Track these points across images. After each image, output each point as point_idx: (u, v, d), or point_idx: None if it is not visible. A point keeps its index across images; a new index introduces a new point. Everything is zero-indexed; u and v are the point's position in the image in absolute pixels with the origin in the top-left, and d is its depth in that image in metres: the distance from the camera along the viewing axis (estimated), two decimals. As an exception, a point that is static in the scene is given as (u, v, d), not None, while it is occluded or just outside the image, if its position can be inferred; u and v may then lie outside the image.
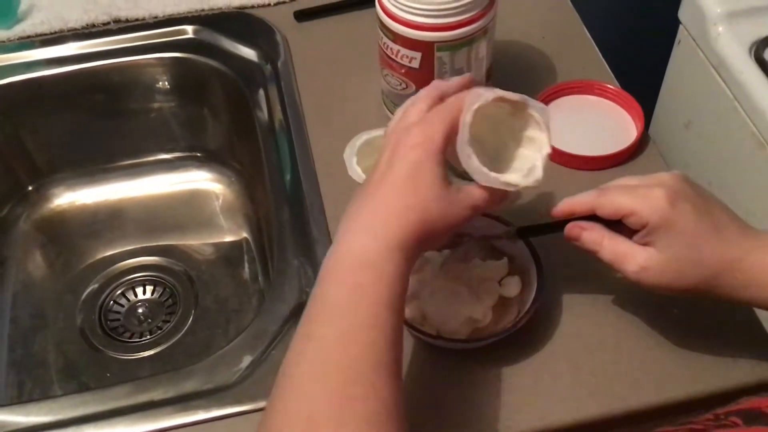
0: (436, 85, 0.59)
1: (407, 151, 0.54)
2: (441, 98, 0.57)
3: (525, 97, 0.57)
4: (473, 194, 0.56)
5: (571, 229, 0.60)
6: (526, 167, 0.57)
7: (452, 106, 0.56)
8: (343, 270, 0.52)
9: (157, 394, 0.65)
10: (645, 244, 0.56)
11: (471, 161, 0.55)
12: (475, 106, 0.54)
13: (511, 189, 0.56)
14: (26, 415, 0.65)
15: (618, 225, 0.58)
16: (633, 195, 0.56)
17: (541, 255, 0.66)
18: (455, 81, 0.59)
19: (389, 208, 0.53)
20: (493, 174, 0.55)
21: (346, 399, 0.47)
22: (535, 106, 0.57)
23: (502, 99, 0.55)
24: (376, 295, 0.51)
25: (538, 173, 0.56)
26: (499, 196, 0.57)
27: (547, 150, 0.56)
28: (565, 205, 0.60)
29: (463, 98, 0.56)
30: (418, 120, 0.56)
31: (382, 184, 0.54)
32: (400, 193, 0.54)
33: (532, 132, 0.58)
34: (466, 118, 0.54)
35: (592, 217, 0.59)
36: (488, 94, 0.55)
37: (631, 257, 0.57)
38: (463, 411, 0.62)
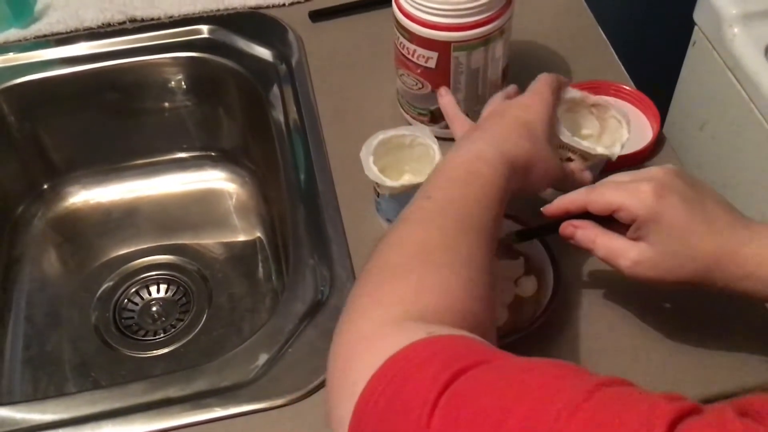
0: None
1: (520, 108, 0.63)
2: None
3: (606, 98, 0.72)
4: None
5: (565, 228, 0.61)
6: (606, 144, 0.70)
7: (544, 85, 0.66)
8: (463, 160, 0.58)
9: (173, 392, 0.65)
10: (637, 239, 0.57)
11: (564, 132, 0.67)
12: (568, 96, 0.70)
13: (599, 156, 0.67)
14: (43, 412, 0.65)
15: (611, 222, 0.58)
16: (622, 190, 0.57)
17: (557, 255, 0.66)
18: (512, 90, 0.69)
19: (507, 133, 0.60)
20: (585, 142, 0.67)
21: (459, 234, 0.52)
22: (615, 106, 0.71)
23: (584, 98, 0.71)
24: (489, 178, 0.56)
25: (617, 150, 0.68)
26: (578, 177, 0.65)
27: (626, 136, 0.69)
28: (558, 204, 0.61)
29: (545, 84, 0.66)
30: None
31: (502, 119, 0.62)
32: (517, 129, 0.61)
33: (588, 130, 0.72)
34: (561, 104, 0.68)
35: (587, 215, 0.60)
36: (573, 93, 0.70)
37: (623, 253, 0.57)
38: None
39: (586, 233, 0.59)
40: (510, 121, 0.61)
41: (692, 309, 0.68)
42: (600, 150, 0.67)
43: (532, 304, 0.66)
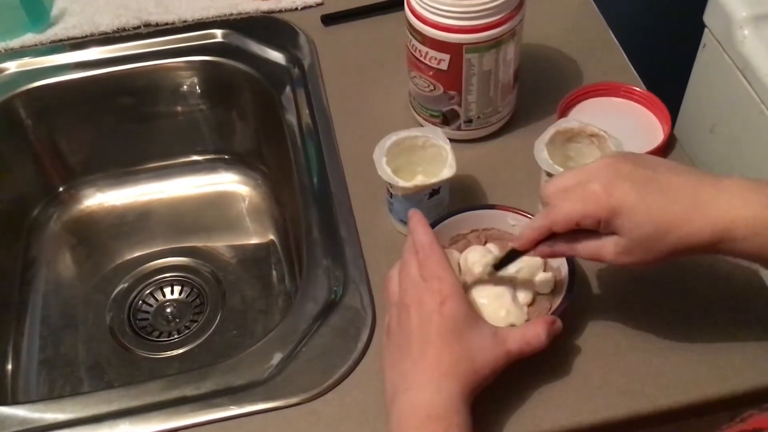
0: (410, 245, 0.63)
1: (438, 307, 0.59)
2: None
3: (602, 129, 0.71)
4: (509, 337, 0.60)
5: (542, 252, 0.61)
6: None
7: (433, 246, 0.62)
8: (415, 425, 0.56)
9: (188, 390, 0.66)
10: (609, 234, 0.57)
11: (543, 155, 0.69)
12: (567, 126, 0.72)
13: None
14: (61, 411, 0.66)
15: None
16: (575, 200, 0.57)
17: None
18: (418, 227, 0.63)
19: (443, 363, 0.58)
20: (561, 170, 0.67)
21: None
22: (612, 138, 0.70)
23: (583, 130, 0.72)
24: None
25: None
26: (532, 337, 0.60)
27: None
28: (527, 239, 0.61)
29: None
30: (421, 273, 0.61)
31: (428, 342, 0.58)
32: (449, 348, 0.58)
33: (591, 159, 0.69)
34: (545, 137, 0.71)
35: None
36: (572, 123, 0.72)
37: (601, 250, 0.58)
38: (492, 409, 0.62)
39: (563, 248, 0.60)
40: (437, 348, 0.58)
41: (712, 301, 0.69)
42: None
43: (547, 302, 0.66)
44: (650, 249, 0.56)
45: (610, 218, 0.55)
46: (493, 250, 0.68)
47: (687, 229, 0.55)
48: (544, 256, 0.63)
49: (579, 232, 0.58)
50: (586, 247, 0.59)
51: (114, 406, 0.66)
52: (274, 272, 0.97)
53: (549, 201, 0.59)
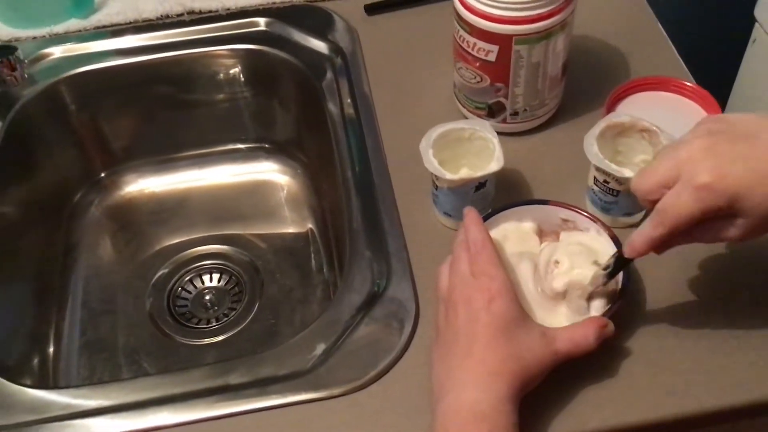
0: (461, 240, 0.63)
1: (486, 305, 0.58)
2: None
3: (655, 125, 0.70)
4: (557, 338, 0.59)
5: (657, 251, 0.59)
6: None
7: (486, 244, 0.61)
8: (459, 424, 0.55)
9: (232, 378, 0.66)
10: (732, 216, 0.55)
11: (596, 155, 0.69)
12: (618, 120, 0.71)
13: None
14: (106, 397, 0.66)
15: None
16: (688, 199, 0.54)
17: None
18: (472, 225, 0.63)
19: (490, 362, 0.57)
20: (613, 165, 0.68)
21: None
22: (664, 134, 0.70)
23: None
24: None
25: None
26: (581, 338, 0.59)
27: None
28: (641, 249, 0.58)
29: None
30: (471, 270, 0.60)
31: (476, 340, 0.58)
32: (496, 346, 0.57)
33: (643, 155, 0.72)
34: (595, 131, 0.70)
35: None
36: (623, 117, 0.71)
37: (726, 232, 0.56)
38: (538, 407, 0.62)
39: (679, 241, 0.58)
40: (484, 346, 0.57)
41: (763, 302, 0.68)
42: (627, 174, 0.68)
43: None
44: None
45: (731, 205, 0.53)
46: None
47: None
48: (659, 253, 0.60)
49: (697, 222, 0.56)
50: (706, 233, 0.57)
51: (158, 393, 0.66)
52: (312, 262, 0.96)
53: (649, 198, 0.57)
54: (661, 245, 0.58)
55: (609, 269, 0.62)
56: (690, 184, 0.54)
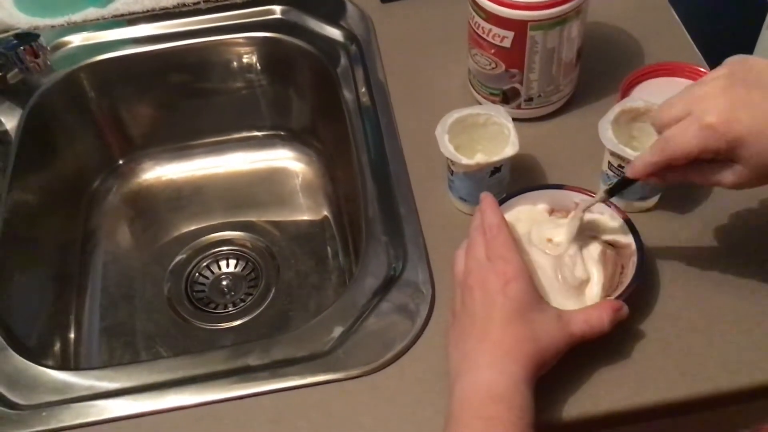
0: (477, 225, 0.64)
1: (502, 288, 0.59)
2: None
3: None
4: (572, 320, 0.60)
5: (654, 181, 0.61)
6: None
7: (502, 228, 0.62)
8: (476, 405, 0.56)
9: (252, 360, 0.67)
10: (730, 161, 0.56)
11: (611, 140, 0.69)
12: (632, 105, 0.71)
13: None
14: (128, 378, 0.68)
15: None
16: (691, 135, 0.55)
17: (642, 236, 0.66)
18: (488, 209, 0.64)
19: (506, 344, 0.58)
20: (629, 150, 0.68)
21: None
22: None
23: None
24: (510, 423, 0.54)
25: None
26: (596, 320, 0.60)
27: None
28: (640, 171, 0.60)
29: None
30: (487, 254, 0.61)
31: (491, 322, 0.58)
32: (512, 329, 0.58)
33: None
34: (609, 116, 0.70)
35: None
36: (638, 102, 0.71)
37: (721, 177, 0.57)
38: (552, 388, 0.62)
39: (676, 176, 0.60)
40: (501, 328, 0.58)
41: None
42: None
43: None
44: None
45: (731, 149, 0.54)
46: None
47: None
48: (653, 183, 0.62)
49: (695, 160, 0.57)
50: (702, 174, 0.58)
51: (179, 374, 0.67)
52: (328, 248, 0.97)
53: (662, 130, 0.58)
54: (658, 173, 0.60)
55: (611, 185, 0.65)
56: (696, 121, 0.55)
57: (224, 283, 0.96)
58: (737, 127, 0.54)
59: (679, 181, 0.60)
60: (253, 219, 1.01)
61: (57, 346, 0.86)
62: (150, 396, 0.66)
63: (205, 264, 0.98)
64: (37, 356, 0.74)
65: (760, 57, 0.99)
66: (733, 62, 0.57)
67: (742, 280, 0.69)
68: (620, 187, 0.65)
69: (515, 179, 0.75)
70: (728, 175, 0.57)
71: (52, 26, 0.98)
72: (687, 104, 0.57)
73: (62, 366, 0.84)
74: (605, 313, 0.60)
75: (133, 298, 0.95)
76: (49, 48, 0.94)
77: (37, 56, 0.90)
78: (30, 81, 0.93)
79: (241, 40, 0.97)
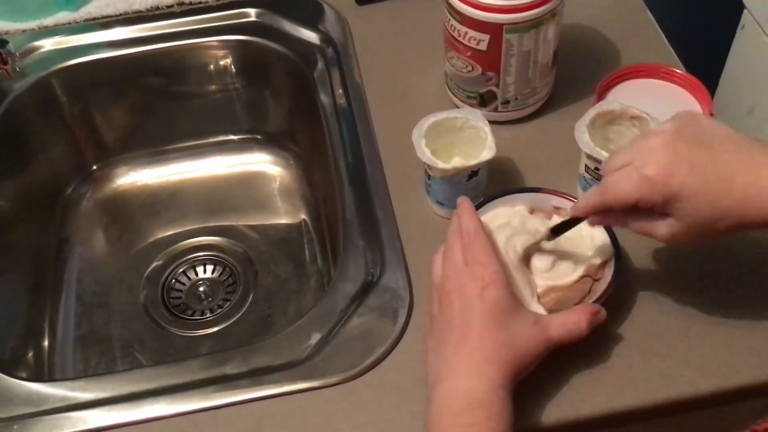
0: (455, 229, 0.63)
1: (480, 293, 0.58)
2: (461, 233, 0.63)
3: (644, 111, 0.71)
4: (550, 324, 0.60)
5: (593, 221, 0.62)
6: None
7: (479, 232, 0.61)
8: (455, 411, 0.56)
9: (228, 369, 0.66)
10: (665, 215, 0.57)
11: (588, 143, 0.69)
12: (608, 108, 0.71)
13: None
14: (102, 389, 0.67)
15: None
16: (630, 184, 0.56)
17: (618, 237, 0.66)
18: (465, 213, 0.63)
19: (484, 349, 0.57)
20: (605, 152, 0.68)
21: None
22: (654, 120, 0.70)
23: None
24: (489, 430, 0.54)
25: None
26: (573, 325, 0.60)
27: None
28: (580, 211, 0.61)
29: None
30: (464, 258, 0.61)
31: (469, 328, 0.58)
32: (490, 334, 0.58)
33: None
34: (586, 119, 0.70)
35: None
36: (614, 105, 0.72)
37: (656, 229, 0.58)
38: (532, 393, 0.62)
39: (615, 219, 0.60)
40: (479, 334, 0.58)
41: (755, 285, 0.68)
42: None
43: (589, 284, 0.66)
44: (706, 232, 0.56)
45: (666, 203, 0.55)
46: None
47: (746, 214, 0.54)
48: (595, 223, 0.63)
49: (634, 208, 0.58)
50: (638, 223, 0.59)
51: (154, 384, 0.66)
52: (306, 252, 0.97)
53: (606, 175, 0.58)
54: (598, 215, 0.60)
55: (556, 225, 0.64)
56: (637, 172, 0.56)
57: (201, 289, 0.95)
58: (674, 183, 0.54)
59: (618, 225, 0.61)
60: (230, 224, 1.01)
61: (30, 355, 0.85)
62: (126, 406, 0.65)
63: (181, 270, 0.97)
64: (10, 368, 0.72)
65: (735, 62, 1.00)
66: (682, 117, 0.58)
67: (719, 282, 0.69)
68: (565, 226, 0.64)
69: (493, 182, 0.75)
70: (662, 228, 0.57)
71: (23, 30, 0.96)
72: (632, 154, 0.57)
73: (36, 376, 0.83)
74: (583, 317, 0.60)
75: (109, 306, 0.93)
76: (18, 54, 0.92)
77: (5, 62, 0.89)
78: (0, 87, 0.91)
79: (215, 44, 0.96)
